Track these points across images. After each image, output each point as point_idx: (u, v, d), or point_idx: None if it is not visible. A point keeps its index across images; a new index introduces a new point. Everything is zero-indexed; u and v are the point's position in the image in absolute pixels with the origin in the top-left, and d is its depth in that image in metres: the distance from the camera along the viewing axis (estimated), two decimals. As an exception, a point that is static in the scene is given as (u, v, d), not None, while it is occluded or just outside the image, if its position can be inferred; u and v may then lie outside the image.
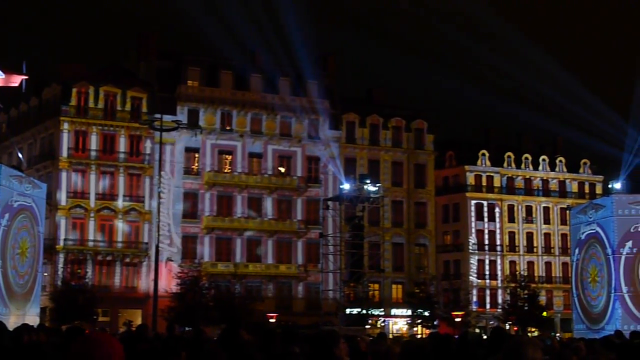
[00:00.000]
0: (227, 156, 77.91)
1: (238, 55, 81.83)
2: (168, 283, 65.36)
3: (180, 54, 77.75)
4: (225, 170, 77.55)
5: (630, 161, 52.05)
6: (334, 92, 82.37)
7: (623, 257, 41.98)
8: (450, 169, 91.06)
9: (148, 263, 70.77)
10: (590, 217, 45.17)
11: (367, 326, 64.97)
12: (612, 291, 42.14)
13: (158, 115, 53.36)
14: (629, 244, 42.05)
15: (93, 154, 73.25)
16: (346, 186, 64.30)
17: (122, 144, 74.06)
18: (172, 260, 72.07)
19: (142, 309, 67.45)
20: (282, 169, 79.48)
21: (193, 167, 76.57)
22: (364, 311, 65.63)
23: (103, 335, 5.07)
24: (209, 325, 49.45)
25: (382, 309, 75.78)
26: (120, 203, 73.27)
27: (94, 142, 73.54)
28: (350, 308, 65.72)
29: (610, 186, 48.18)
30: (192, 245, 75.00)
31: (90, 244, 72.09)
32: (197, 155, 76.68)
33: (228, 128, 77.79)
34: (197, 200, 76.03)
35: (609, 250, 42.73)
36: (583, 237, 46.05)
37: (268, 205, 78.11)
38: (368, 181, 63.51)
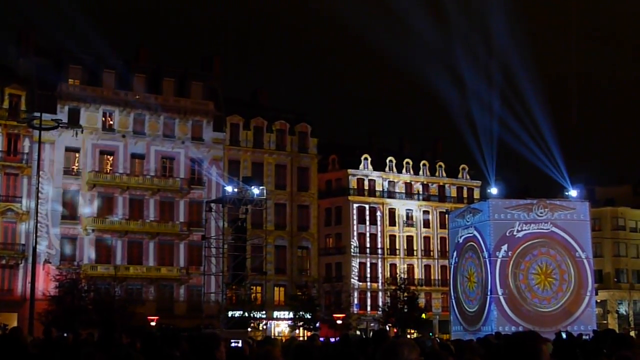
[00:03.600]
0: (108, 157, 76.46)
1: (121, 54, 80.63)
2: (46, 286, 63.84)
3: (62, 51, 75.79)
4: (107, 171, 76.09)
5: (494, 166, 53.52)
6: (218, 94, 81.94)
7: (499, 260, 43.25)
8: (333, 172, 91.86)
9: (25, 265, 68.73)
10: (468, 221, 46.35)
11: (249, 329, 64.83)
12: (488, 293, 43.34)
13: (37, 114, 51.91)
14: (505, 247, 43.36)
15: (-33, 152, 70.67)
16: (229, 188, 64.00)
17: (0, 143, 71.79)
18: (50, 263, 70.22)
19: (19, 313, 65.32)
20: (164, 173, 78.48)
21: (73, 167, 74.82)
22: (246, 314, 65.50)
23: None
24: (89, 329, 48.39)
25: (264, 312, 75.77)
26: (-5, 203, 70.90)
27: (-32, 140, 70.97)
28: (232, 311, 65.50)
29: (488, 191, 49.38)
30: (71, 247, 73.29)
31: (-37, 245, 69.50)
32: (77, 155, 74.98)
33: (110, 126, 76.31)
34: (77, 201, 74.34)
35: (486, 254, 43.95)
36: (461, 240, 47.22)
37: (150, 207, 77.05)
38: (251, 184, 63.39)
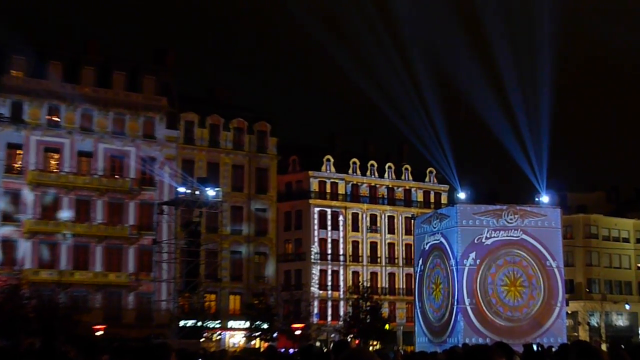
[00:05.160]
0: (53, 154, 75.78)
1: (69, 45, 79.95)
2: (-16, 292, 63.05)
3: (4, 41, 74.99)
4: (52, 170, 75.40)
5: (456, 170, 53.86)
6: (172, 89, 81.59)
7: (466, 269, 43.48)
8: (293, 174, 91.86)
9: (-39, 269, 67.88)
10: (435, 227, 46.54)
11: (202, 339, 64.62)
12: (455, 303, 43.54)
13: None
14: (473, 255, 43.59)
15: None
16: (183, 190, 63.76)
17: None
18: (-12, 267, 69.41)
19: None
20: (113, 172, 77.95)
21: (15, 164, 74.04)
22: (200, 323, 65.27)
23: None
24: (30, 338, 47.92)
25: (218, 321, 75.55)
26: None
27: None
28: (185, 320, 65.26)
29: (456, 195, 49.63)
30: (11, 251, 72.49)
31: None
32: (20, 152, 74.22)
33: (56, 122, 75.65)
34: (18, 201, 73.56)
35: (453, 262, 44.17)
36: (427, 247, 47.40)
37: (98, 208, 76.48)
38: (206, 185, 63.21)
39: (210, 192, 62.49)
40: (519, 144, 54.34)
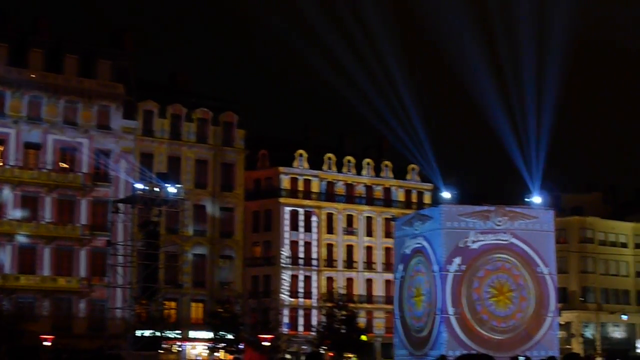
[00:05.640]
0: (-3, 146, 75.56)
1: (15, 25, 79.43)
2: None
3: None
4: (-5, 163, 75.16)
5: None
6: (130, 75, 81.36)
7: (450, 275, 43.65)
8: (262, 170, 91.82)
9: None
10: (417, 230, 46.68)
11: (161, 351, 64.48)
12: (438, 313, 43.71)
13: None
14: (457, 260, 43.77)
15: None
16: (141, 186, 63.56)
17: None
18: None
19: None
20: (64, 165, 77.67)
21: (-46, 157, 73.74)
22: (158, 333, 65.11)
23: None
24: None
25: (179, 331, 75.42)
26: None
27: None
28: (142, 330, 65.00)
29: (441, 195, 49.67)
30: (-50, 252, 72.24)
31: None
32: (-40, 144, 73.93)
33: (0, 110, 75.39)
34: (-42, 198, 73.24)
35: (436, 267, 44.32)
36: (408, 251, 47.55)
37: (46, 206, 76.17)
38: (167, 181, 63.09)
39: (171, 189, 62.28)
40: (514, 141, 54.42)
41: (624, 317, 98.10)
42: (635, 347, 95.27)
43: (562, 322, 76.69)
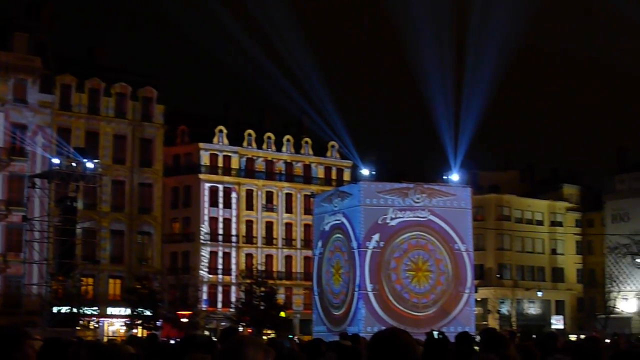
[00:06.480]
0: None
1: None
2: None
3: None
4: None
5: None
6: (47, 49, 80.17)
7: (369, 252, 43.99)
8: (182, 146, 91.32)
9: None
10: (336, 206, 46.93)
11: (78, 327, 64.00)
12: (356, 289, 44.04)
13: None
14: (376, 237, 44.11)
15: None
16: (57, 161, 62.86)
17: None
18: None
19: None
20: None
21: None
22: (75, 310, 64.63)
23: None
24: None
25: (96, 308, 74.89)
26: None
27: None
28: (59, 306, 64.50)
29: (360, 172, 49.99)
30: None
31: None
32: None
33: None
34: None
35: (355, 244, 44.61)
36: (327, 228, 47.80)
37: (-40, 180, 74.97)
38: (85, 156, 62.50)
39: (89, 165, 61.80)
40: (438, 118, 54.69)
41: (539, 294, 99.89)
42: (550, 323, 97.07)
43: (479, 299, 77.77)
